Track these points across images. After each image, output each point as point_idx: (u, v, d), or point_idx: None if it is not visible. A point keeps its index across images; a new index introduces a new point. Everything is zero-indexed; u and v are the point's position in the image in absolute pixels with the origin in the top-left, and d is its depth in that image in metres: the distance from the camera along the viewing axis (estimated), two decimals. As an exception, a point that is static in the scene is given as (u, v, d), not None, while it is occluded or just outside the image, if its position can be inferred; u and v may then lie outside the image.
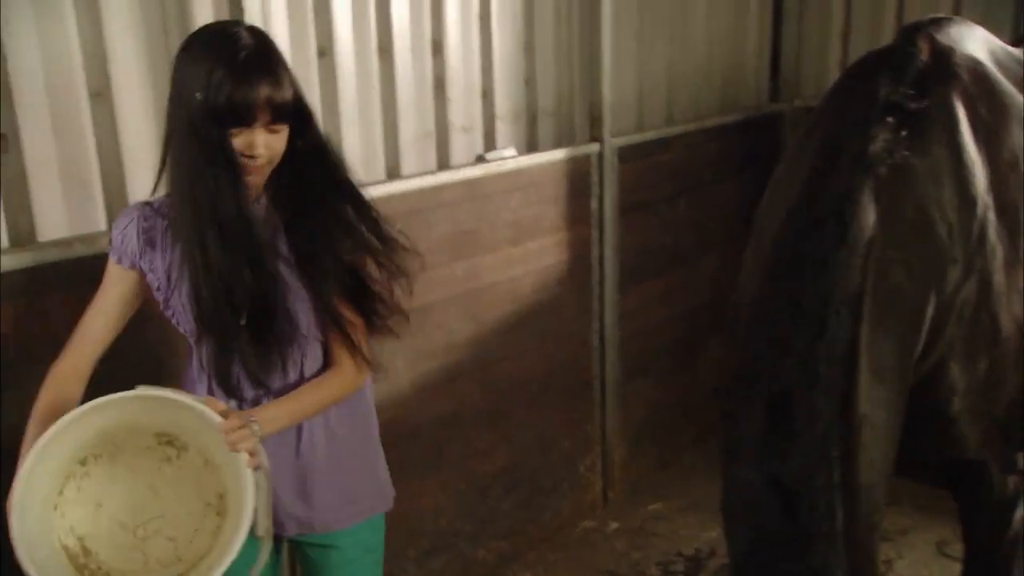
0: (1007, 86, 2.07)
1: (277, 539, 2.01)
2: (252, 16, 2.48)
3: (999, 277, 1.89)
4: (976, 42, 2.12)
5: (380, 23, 2.83)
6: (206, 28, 1.78)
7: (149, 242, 1.80)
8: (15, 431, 1.74)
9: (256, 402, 1.85)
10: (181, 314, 1.81)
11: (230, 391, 1.83)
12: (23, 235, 2.14)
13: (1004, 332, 1.92)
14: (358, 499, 1.98)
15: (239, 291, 1.72)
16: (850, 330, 1.64)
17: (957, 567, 2.53)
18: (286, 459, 1.89)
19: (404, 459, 2.92)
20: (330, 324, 1.83)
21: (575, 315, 3.51)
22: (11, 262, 2.02)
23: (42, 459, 1.63)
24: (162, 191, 1.83)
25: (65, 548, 1.68)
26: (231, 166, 1.68)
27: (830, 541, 1.61)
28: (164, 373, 2.03)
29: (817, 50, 4.34)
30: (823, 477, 1.62)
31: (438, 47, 3.02)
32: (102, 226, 2.24)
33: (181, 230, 1.74)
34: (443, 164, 3.09)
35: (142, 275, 1.82)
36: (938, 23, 2.06)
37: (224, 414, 1.67)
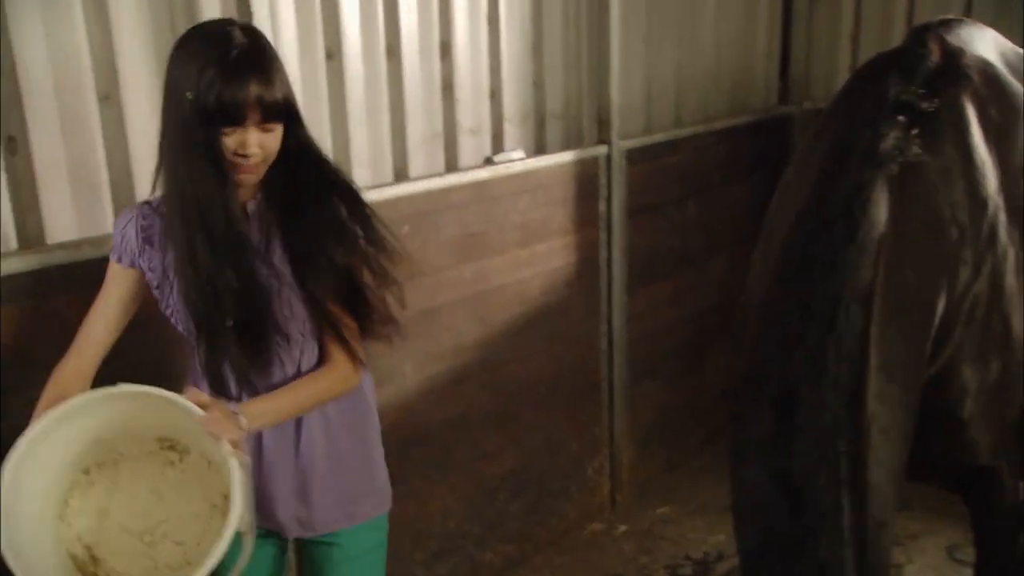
0: (1017, 88, 2.06)
1: (282, 540, 2.02)
2: (260, 19, 2.48)
3: (1011, 280, 1.88)
4: (986, 44, 2.11)
5: (388, 25, 2.83)
6: (200, 27, 1.78)
7: (148, 240, 1.81)
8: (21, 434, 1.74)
9: None
10: (178, 313, 1.81)
11: (223, 391, 1.83)
12: (32, 237, 2.15)
13: (1016, 335, 1.90)
14: (357, 500, 1.98)
15: (225, 294, 1.71)
16: (860, 326, 1.63)
17: (968, 572, 2.52)
18: (287, 460, 1.89)
19: (411, 461, 2.92)
20: (324, 324, 1.83)
21: (583, 317, 3.51)
22: (19, 264, 2.02)
23: (24, 463, 1.60)
24: (161, 190, 1.83)
25: (74, 558, 1.68)
26: (220, 167, 1.67)
27: (836, 537, 1.60)
28: (166, 373, 2.02)
29: (827, 52, 4.33)
30: (828, 471, 1.61)
31: (446, 49, 3.02)
32: (110, 229, 2.23)
33: (171, 230, 1.74)
34: (451, 166, 3.09)
35: (142, 274, 1.83)
36: (948, 24, 2.05)
37: (206, 405, 1.65)
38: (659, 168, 3.72)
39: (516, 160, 3.17)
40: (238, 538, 1.67)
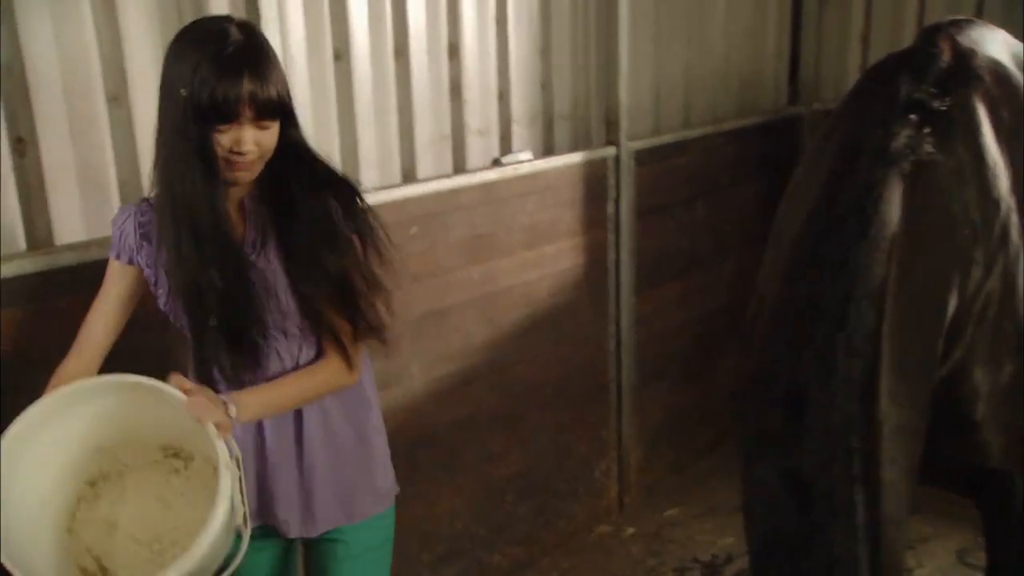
0: (1029, 88, 2.05)
1: (286, 542, 2.01)
2: (268, 20, 2.48)
3: (1022, 280, 1.87)
4: (997, 44, 2.10)
5: (396, 26, 2.83)
6: (196, 23, 1.76)
7: (145, 236, 1.80)
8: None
9: None
10: (173, 311, 1.81)
11: (214, 387, 1.81)
12: (40, 239, 2.16)
13: (1028, 336, 1.89)
14: (355, 496, 1.97)
15: (208, 293, 1.71)
16: (872, 324, 1.62)
17: (979, 576, 2.50)
18: (289, 459, 1.89)
19: (419, 463, 2.92)
20: (317, 323, 1.82)
21: (591, 319, 3.50)
22: (28, 265, 2.03)
23: (13, 463, 1.58)
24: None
25: (83, 570, 1.68)
26: (212, 165, 1.66)
27: (851, 534, 1.59)
28: (167, 374, 2.02)
29: (836, 52, 4.31)
30: (839, 467, 1.60)
31: (454, 50, 3.02)
32: (118, 229, 2.25)
33: (160, 228, 1.74)
34: (459, 167, 3.09)
35: (140, 271, 1.83)
36: (959, 25, 2.04)
37: (190, 391, 1.63)
38: (668, 169, 3.71)
39: (524, 161, 3.17)
40: (236, 536, 1.66)
